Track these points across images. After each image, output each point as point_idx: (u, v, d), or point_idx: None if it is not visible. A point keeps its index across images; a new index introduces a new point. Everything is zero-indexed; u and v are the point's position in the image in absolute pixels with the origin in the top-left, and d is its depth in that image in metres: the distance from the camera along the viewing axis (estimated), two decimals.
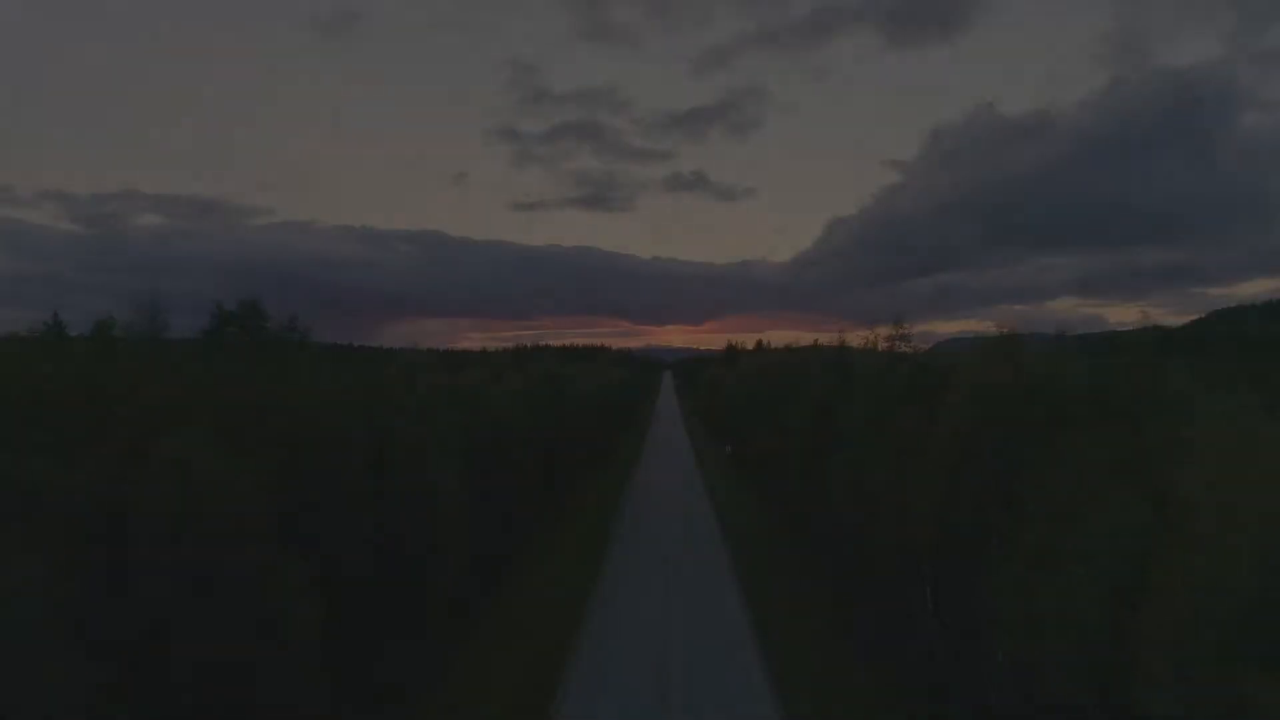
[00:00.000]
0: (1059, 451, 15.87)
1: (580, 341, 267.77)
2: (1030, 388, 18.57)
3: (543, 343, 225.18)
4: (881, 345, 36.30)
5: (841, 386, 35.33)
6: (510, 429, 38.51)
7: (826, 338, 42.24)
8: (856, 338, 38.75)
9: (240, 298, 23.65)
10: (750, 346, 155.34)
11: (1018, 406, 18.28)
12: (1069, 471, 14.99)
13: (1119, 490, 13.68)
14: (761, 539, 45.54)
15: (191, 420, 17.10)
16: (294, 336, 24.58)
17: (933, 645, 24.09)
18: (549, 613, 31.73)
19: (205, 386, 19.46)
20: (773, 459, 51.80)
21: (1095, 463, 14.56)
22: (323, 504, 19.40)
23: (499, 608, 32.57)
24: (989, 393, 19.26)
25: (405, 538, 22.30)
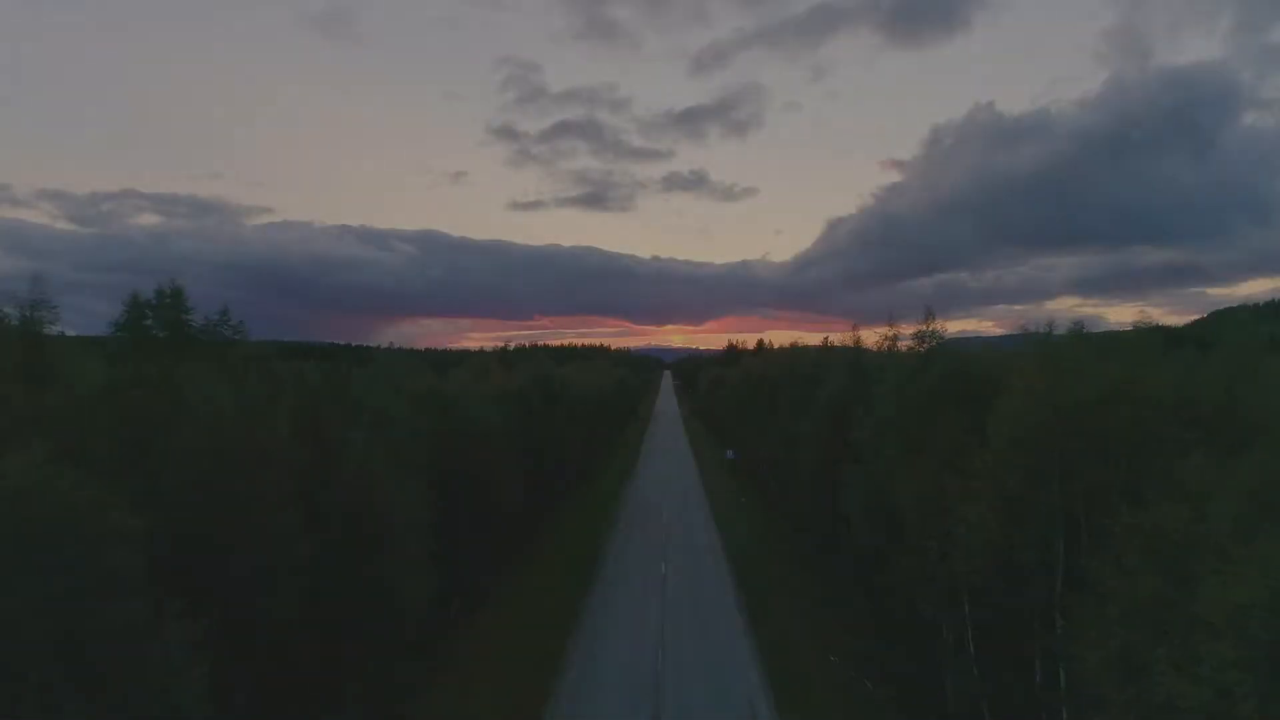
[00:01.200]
0: (1170, 478, 12.24)
1: (580, 341, 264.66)
2: (1115, 396, 14.92)
3: (541, 342, 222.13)
4: (903, 344, 32.79)
5: (859, 390, 31.70)
6: (490, 437, 34.84)
7: (839, 336, 38.56)
8: (873, 336, 35.27)
9: (161, 285, 20.12)
10: (751, 346, 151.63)
11: (1103, 419, 14.64)
12: (1191, 506, 11.34)
13: (1275, 536, 10.05)
14: (769, 561, 41.76)
15: (58, 434, 13.53)
16: (224, 332, 20.99)
17: (975, 699, 20.44)
18: (526, 654, 28.00)
19: (90, 392, 15.85)
20: (780, 469, 48.19)
21: (1230, 494, 10.92)
22: (236, 536, 15.75)
23: (467, 649, 28.69)
24: (1061, 402, 15.61)
25: (348, 573, 18.63)
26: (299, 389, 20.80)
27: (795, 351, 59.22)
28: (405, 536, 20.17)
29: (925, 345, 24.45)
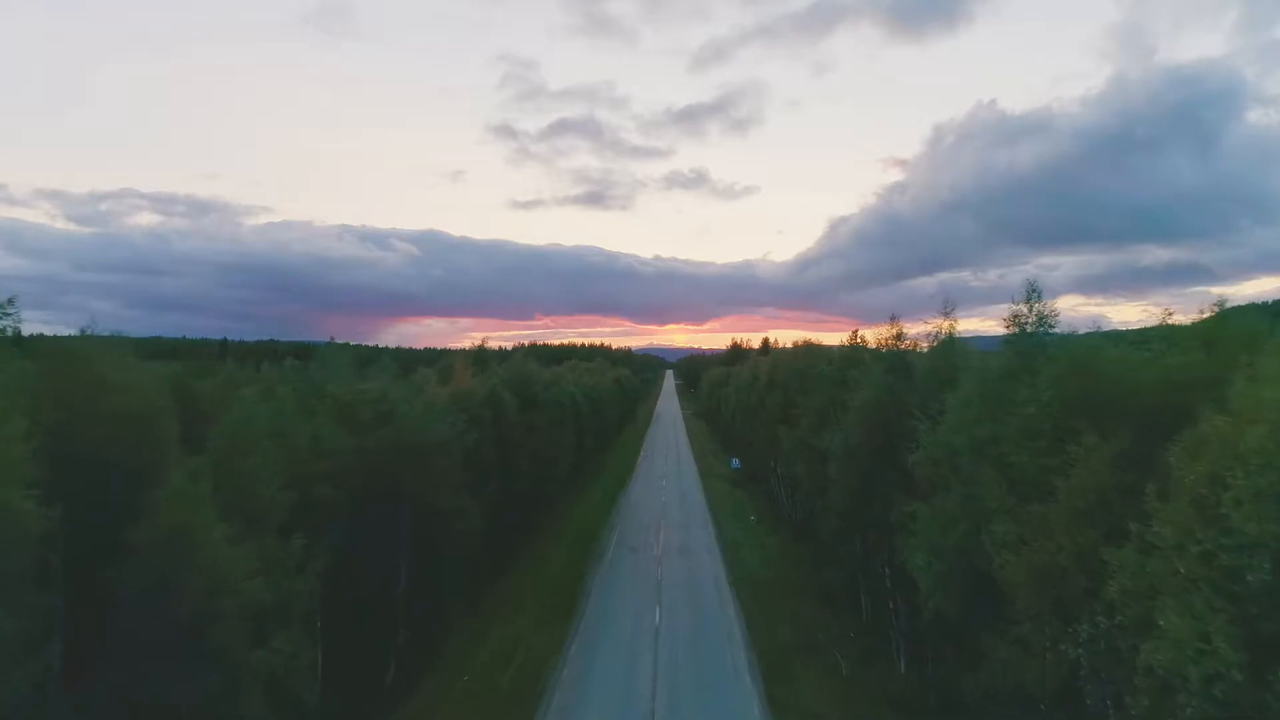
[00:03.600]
0: None
1: (582, 341, 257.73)
2: None
3: (542, 341, 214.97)
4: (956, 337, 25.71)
5: (909, 398, 24.53)
6: (441, 454, 27.66)
7: (875, 332, 31.26)
8: (915, 330, 28.14)
9: None
10: (755, 345, 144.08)
11: None
12: None
13: None
14: (787, 599, 34.46)
15: None
16: None
17: None
18: None
19: None
20: (799, 487, 41.00)
21: None
22: None
23: None
24: None
25: (139, 699, 11.48)
26: (99, 404, 13.62)
27: (810, 350, 51.77)
28: (240, 630, 12.95)
29: (1019, 336, 17.20)
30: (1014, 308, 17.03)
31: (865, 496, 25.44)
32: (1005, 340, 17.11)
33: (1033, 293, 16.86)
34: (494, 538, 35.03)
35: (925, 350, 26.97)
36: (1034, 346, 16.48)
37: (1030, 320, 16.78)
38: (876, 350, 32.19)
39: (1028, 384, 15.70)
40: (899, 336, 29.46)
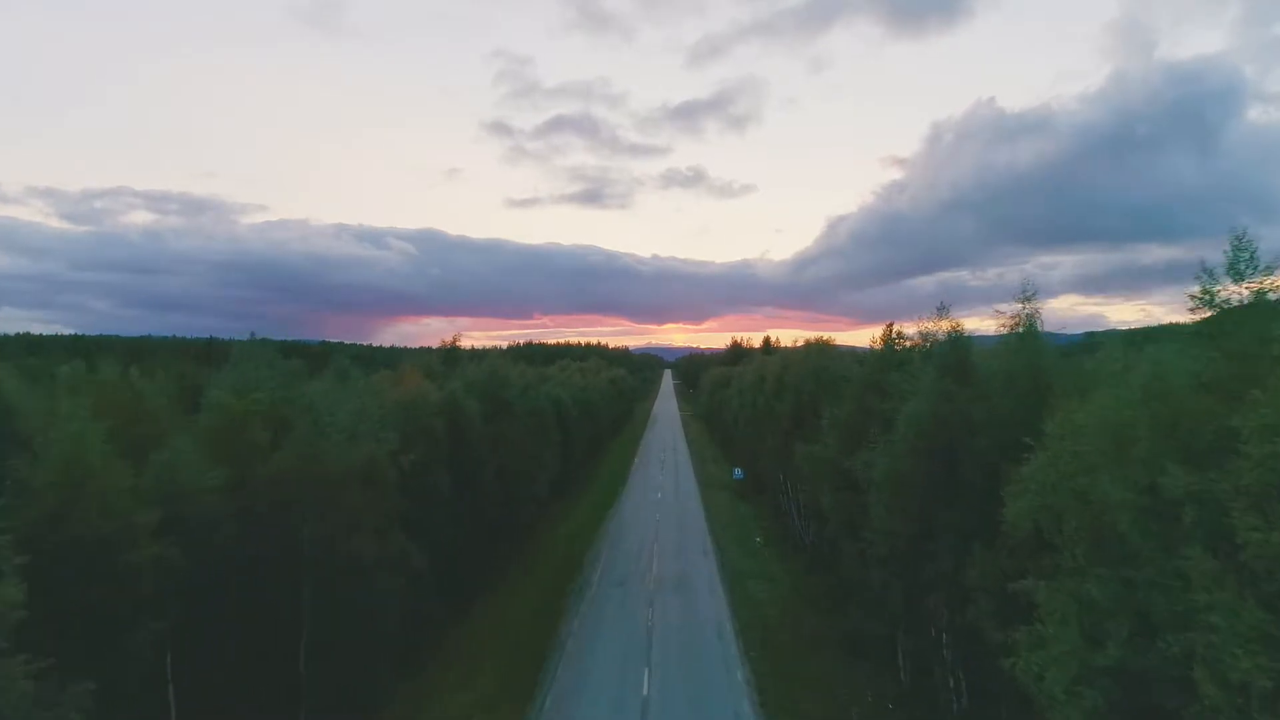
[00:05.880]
0: None
1: (581, 340, 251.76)
2: None
3: (539, 340, 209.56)
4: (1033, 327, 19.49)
5: (980, 409, 18.14)
6: (349, 488, 21.07)
7: (918, 326, 24.86)
8: (977, 323, 21.81)
9: None
10: (756, 344, 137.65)
11: None
12: None
13: None
14: (806, 656, 27.90)
15: None
16: None
17: None
18: None
19: None
20: (820, 512, 34.45)
21: None
22: None
23: None
24: None
25: None
26: None
27: (824, 349, 45.26)
28: None
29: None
30: (1207, 286, 10.60)
31: (924, 545, 19.01)
32: (1201, 332, 10.69)
33: (1241, 251, 10.42)
34: (446, 579, 28.63)
35: (1000, 345, 20.62)
36: (1255, 347, 10.04)
37: (1241, 302, 10.36)
38: (922, 349, 25.84)
39: (1253, 405, 9.30)
40: (956, 329, 23.11)
